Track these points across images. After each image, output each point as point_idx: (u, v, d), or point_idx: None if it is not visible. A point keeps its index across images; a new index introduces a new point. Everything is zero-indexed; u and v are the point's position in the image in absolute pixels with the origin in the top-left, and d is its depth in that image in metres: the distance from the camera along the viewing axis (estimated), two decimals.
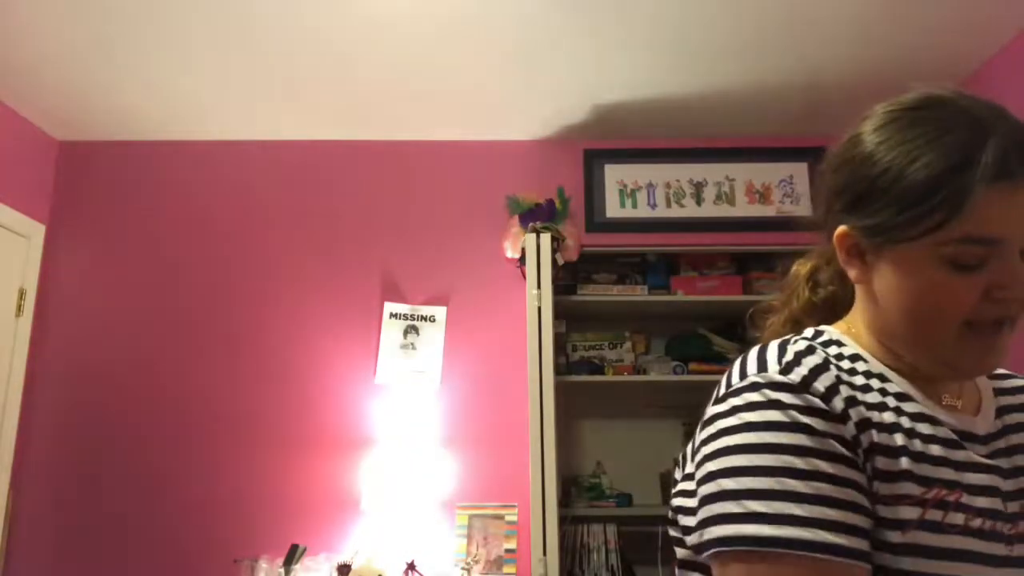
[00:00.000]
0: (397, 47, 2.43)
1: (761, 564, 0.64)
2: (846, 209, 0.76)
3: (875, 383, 0.73)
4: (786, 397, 0.68)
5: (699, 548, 0.70)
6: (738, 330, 2.98)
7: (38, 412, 2.81)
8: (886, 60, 2.50)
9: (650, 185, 3.03)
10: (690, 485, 0.75)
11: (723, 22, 2.31)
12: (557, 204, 2.88)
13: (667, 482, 2.84)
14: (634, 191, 3.02)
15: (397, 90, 2.71)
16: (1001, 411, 0.78)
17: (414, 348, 2.87)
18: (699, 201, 3.01)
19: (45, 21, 2.28)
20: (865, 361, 0.76)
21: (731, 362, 0.77)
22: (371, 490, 2.61)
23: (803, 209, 2.94)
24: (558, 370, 2.68)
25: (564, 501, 2.70)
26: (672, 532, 0.81)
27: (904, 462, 0.68)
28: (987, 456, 0.72)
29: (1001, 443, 0.75)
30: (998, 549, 0.68)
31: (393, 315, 2.90)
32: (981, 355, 0.71)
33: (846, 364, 0.74)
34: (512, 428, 2.75)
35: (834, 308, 0.86)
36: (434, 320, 2.90)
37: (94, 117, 2.89)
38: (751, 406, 0.69)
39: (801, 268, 0.92)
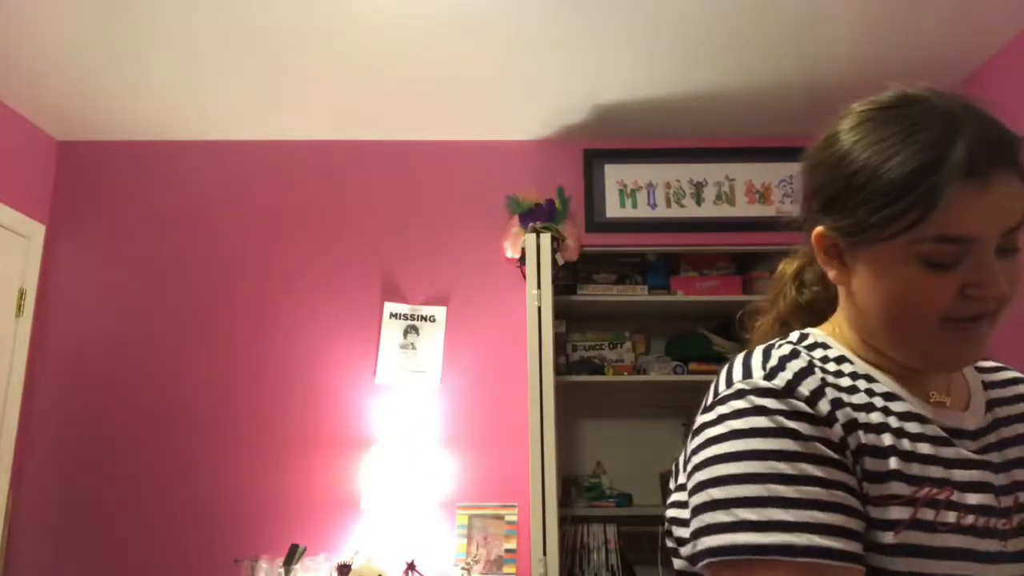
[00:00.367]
0: (397, 47, 2.43)
1: (754, 572, 0.63)
2: (822, 209, 0.75)
3: (861, 384, 0.73)
4: (771, 403, 0.68)
5: (694, 559, 0.69)
6: (738, 330, 2.98)
7: (38, 412, 2.81)
8: (886, 60, 2.50)
9: (650, 185, 3.03)
10: (683, 496, 0.75)
11: (723, 22, 2.31)
12: (557, 204, 2.88)
13: (667, 482, 2.83)
14: (634, 191, 3.02)
15: (397, 90, 2.70)
16: (991, 404, 0.78)
17: (414, 348, 2.87)
18: (699, 201, 3.01)
19: (45, 21, 2.28)
20: (851, 362, 0.75)
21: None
22: (371, 490, 2.61)
23: None
24: (558, 370, 2.68)
25: (564, 501, 2.70)
26: (668, 543, 0.80)
27: (893, 462, 0.67)
28: (977, 451, 0.72)
29: (992, 437, 0.74)
30: (992, 545, 0.67)
31: (393, 315, 2.90)
32: (960, 347, 0.70)
33: (832, 366, 0.74)
34: (512, 428, 2.76)
35: (820, 309, 0.86)
36: (434, 320, 2.90)
37: (94, 117, 2.89)
38: (737, 413, 0.69)
39: (787, 267, 0.92)
